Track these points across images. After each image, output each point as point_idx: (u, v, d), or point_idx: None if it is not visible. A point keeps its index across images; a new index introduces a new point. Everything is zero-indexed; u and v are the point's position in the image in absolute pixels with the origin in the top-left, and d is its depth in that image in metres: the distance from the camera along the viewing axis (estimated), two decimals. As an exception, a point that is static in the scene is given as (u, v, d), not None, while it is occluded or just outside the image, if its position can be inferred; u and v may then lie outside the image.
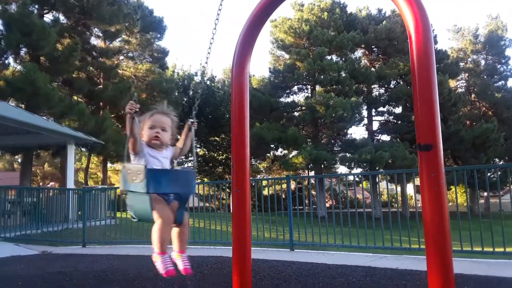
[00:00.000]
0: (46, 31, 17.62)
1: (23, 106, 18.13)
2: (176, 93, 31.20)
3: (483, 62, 38.20)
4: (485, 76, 36.95)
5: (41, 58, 19.77)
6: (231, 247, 2.89)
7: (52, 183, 36.44)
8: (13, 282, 4.64)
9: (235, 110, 3.02)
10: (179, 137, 3.01)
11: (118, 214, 10.95)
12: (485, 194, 29.94)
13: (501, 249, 5.50)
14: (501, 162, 33.75)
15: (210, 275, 4.80)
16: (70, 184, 14.79)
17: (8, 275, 5.12)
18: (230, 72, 3.08)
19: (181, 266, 2.77)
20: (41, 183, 39.18)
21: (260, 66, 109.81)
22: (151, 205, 2.47)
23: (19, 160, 21.52)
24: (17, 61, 20.42)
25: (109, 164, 30.25)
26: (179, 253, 2.81)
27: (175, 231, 2.75)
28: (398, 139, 29.93)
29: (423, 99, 2.19)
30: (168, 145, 2.79)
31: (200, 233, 8.84)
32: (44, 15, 20.55)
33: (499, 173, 19.21)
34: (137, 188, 2.47)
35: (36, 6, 19.84)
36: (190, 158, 3.04)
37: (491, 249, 5.60)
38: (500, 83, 37.20)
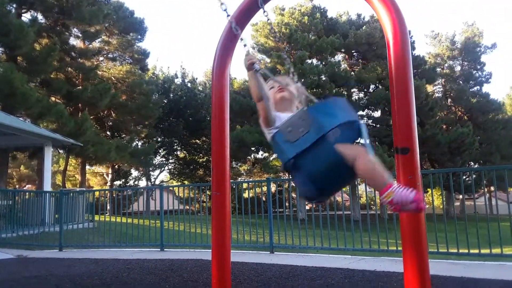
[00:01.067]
0: (24, 30, 17.28)
1: (-1, 106, 17.74)
2: (157, 95, 30.98)
3: (459, 67, 39.05)
4: (461, 82, 37.77)
5: (18, 58, 19.37)
6: (211, 250, 2.89)
7: (28, 186, 35.67)
8: (-13, 287, 4.54)
9: (215, 112, 3.03)
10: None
11: (96, 217, 10.79)
12: (460, 196, 30.58)
13: (476, 251, 5.62)
14: (476, 166, 34.53)
15: (190, 279, 4.77)
16: (47, 186, 14.51)
17: (-18, 280, 5.00)
18: (211, 74, 3.08)
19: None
20: (17, 186, 38.30)
21: (241, 69, 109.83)
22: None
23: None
24: (-7, 61, 19.95)
25: (87, 167, 29.81)
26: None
27: None
28: (377, 143, 30.32)
29: (400, 103, 2.24)
30: (297, 101, 2.31)
31: (180, 235, 8.78)
32: (22, 15, 20.17)
33: (474, 176, 19.62)
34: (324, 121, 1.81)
35: (14, 5, 19.46)
36: None
37: (466, 251, 5.72)
38: (475, 88, 38.08)
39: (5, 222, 10.19)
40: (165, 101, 32.96)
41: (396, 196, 1.67)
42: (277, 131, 1.93)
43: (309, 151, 1.78)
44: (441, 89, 38.75)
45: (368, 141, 1.85)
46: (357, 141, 1.94)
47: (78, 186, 27.71)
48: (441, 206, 33.67)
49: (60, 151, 25.12)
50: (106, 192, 11.70)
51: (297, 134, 1.80)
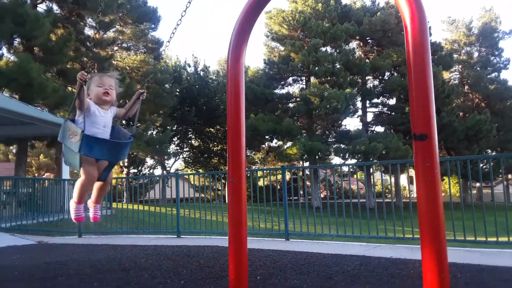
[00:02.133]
0: (40, 21, 17.42)
1: (17, 96, 18.00)
2: (170, 84, 31.09)
3: (476, 54, 38.32)
4: (478, 68, 37.09)
5: (34, 48, 19.57)
6: (227, 237, 2.92)
7: (47, 174, 36.32)
8: (10, 271, 4.66)
9: (230, 100, 3.03)
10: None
11: (114, 205, 10.96)
12: (478, 184, 30.21)
13: (494, 239, 5.58)
14: (493, 153, 34.04)
15: (207, 264, 4.84)
16: (66, 175, 14.76)
17: (4, 265, 5.14)
18: (226, 63, 3.08)
19: (91, 214, 3.20)
20: (36, 174, 39.04)
21: (255, 58, 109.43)
22: (80, 162, 2.80)
23: (14, 151, 21.37)
24: (11, 52, 20.19)
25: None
26: (94, 203, 3.21)
27: (97, 184, 3.10)
28: (392, 131, 30.06)
29: (418, 89, 2.22)
30: (114, 104, 3.13)
31: (196, 223, 8.89)
32: (37, 5, 20.31)
33: (492, 164, 19.36)
34: (71, 146, 2.78)
35: (29, -4, 19.61)
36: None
37: (484, 239, 5.68)
38: (493, 75, 37.39)
39: (26, 210, 10.43)
40: (178, 90, 33.04)
41: (71, 209, 3.20)
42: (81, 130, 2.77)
43: (67, 147, 2.90)
44: (458, 75, 38.12)
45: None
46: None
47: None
48: (457, 194, 33.34)
49: (77, 140, 25.42)
50: (123, 180, 11.88)
51: (69, 135, 2.86)
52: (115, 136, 3.14)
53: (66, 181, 11.43)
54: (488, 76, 36.70)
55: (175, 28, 3.48)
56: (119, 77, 3.24)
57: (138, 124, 29.79)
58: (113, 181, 11.70)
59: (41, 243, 7.73)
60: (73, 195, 3.05)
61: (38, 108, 17.56)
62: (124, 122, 3.69)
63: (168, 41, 3.57)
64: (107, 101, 3.02)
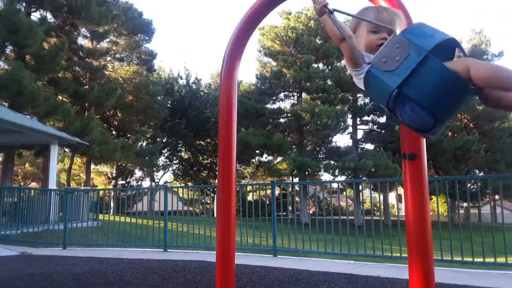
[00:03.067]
0: (33, 29, 17.40)
1: (6, 104, 17.85)
2: (162, 96, 31.08)
3: (466, 75, 38.94)
4: (468, 90, 37.62)
5: (26, 56, 19.51)
6: (214, 252, 2.89)
7: (33, 184, 35.82)
8: (-9, 283, 4.56)
9: (222, 114, 3.03)
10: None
11: (100, 216, 10.83)
12: (465, 204, 30.41)
13: (481, 259, 5.60)
14: (481, 174, 34.36)
15: (193, 279, 4.78)
16: (52, 185, 14.57)
17: (-14, 276, 5.03)
18: (219, 76, 3.09)
19: None
20: (22, 183, 38.49)
21: (247, 73, 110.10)
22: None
23: (0, 159, 21.14)
24: (2, 59, 20.11)
25: (92, 166, 29.92)
26: None
27: None
28: (381, 148, 30.25)
29: (408, 109, 2.23)
30: None
31: (184, 237, 8.80)
32: (32, 13, 20.31)
33: (479, 184, 19.54)
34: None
35: (24, 4, 19.61)
36: None
37: (471, 259, 5.69)
38: (482, 96, 37.96)
39: (10, 219, 10.25)
40: (169, 102, 33.05)
41: None
42: (371, 66, 1.71)
43: (414, 75, 1.59)
44: (448, 96, 38.60)
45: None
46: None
47: (82, 185, 27.81)
48: (445, 214, 33.52)
49: (65, 149, 25.23)
50: (111, 191, 11.77)
51: (395, 62, 1.62)
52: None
53: (52, 191, 11.28)
54: (477, 97, 37.23)
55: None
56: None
57: (128, 135, 29.75)
58: (100, 193, 11.61)
59: (25, 254, 7.59)
60: (508, 72, 1.53)
61: (28, 116, 17.41)
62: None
63: None
64: None
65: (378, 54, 1.68)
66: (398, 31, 1.79)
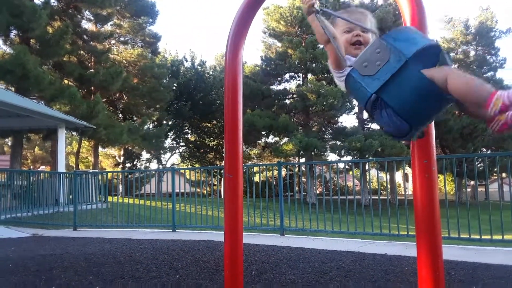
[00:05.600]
0: (37, 13, 17.31)
1: (12, 89, 17.91)
2: (167, 79, 31.00)
3: (473, 53, 38.38)
4: (474, 67, 37.15)
5: (31, 40, 19.46)
6: (222, 232, 2.92)
7: (42, 167, 36.18)
8: (4, 263, 4.65)
9: (228, 96, 3.02)
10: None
11: (110, 198, 10.95)
12: (472, 183, 30.35)
13: (488, 237, 5.62)
14: (488, 152, 34.19)
15: (202, 259, 4.85)
16: (61, 168, 14.71)
17: (-1, 257, 5.13)
18: (224, 57, 3.07)
19: None
20: (31, 167, 38.90)
21: (252, 54, 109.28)
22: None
23: (9, 143, 21.29)
24: (7, 43, 20.07)
25: (100, 149, 30.10)
26: None
27: None
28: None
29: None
30: None
31: (192, 218, 8.89)
32: (35, -3, 20.18)
33: (487, 162, 19.43)
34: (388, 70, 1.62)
35: (26, -13, 19.46)
36: None
37: (478, 237, 5.72)
38: (489, 74, 37.47)
39: (21, 202, 10.40)
40: (175, 85, 32.98)
41: (505, 97, 1.42)
42: (352, 69, 1.71)
43: (392, 81, 1.58)
44: (454, 74, 38.16)
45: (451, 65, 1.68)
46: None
47: (91, 167, 28.05)
48: (452, 192, 33.53)
49: (73, 133, 25.36)
50: (119, 174, 11.87)
51: (375, 67, 1.61)
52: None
53: (61, 174, 11.40)
54: (484, 75, 36.76)
55: None
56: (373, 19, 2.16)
57: (135, 118, 29.81)
58: (109, 175, 11.71)
59: (36, 235, 7.72)
60: (483, 87, 1.58)
61: (34, 100, 17.47)
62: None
63: None
64: (359, 52, 1.90)
65: (359, 58, 1.68)
66: (369, 29, 1.95)
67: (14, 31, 19.25)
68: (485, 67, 37.42)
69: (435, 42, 1.69)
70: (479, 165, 22.76)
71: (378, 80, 1.59)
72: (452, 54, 36.59)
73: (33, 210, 10.12)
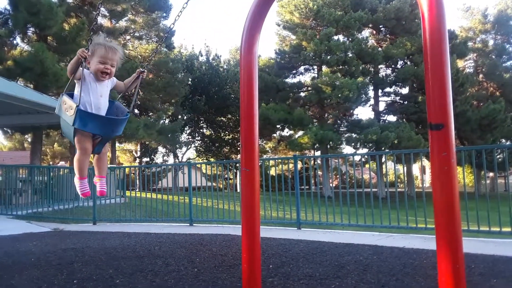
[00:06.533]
0: (53, 10, 17.51)
1: (31, 86, 18.19)
2: (182, 73, 31.13)
3: (492, 41, 37.66)
4: (493, 56, 36.44)
5: (48, 38, 19.74)
6: (239, 226, 2.93)
7: (62, 163, 36.75)
8: (27, 257, 4.76)
9: (243, 90, 3.02)
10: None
11: (128, 193, 11.08)
12: (491, 174, 29.88)
13: (508, 229, 5.53)
14: (507, 143, 33.58)
15: (219, 252, 4.88)
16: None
17: (22, 251, 5.24)
18: (238, 51, 3.07)
19: (98, 188, 3.12)
20: (51, 162, 39.57)
21: (266, 48, 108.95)
22: (74, 135, 2.81)
23: (29, 140, 21.66)
24: (25, 41, 20.38)
25: (117, 144, 30.45)
26: (98, 177, 3.16)
27: (94, 158, 3.11)
28: (404, 120, 29.77)
29: (435, 78, 2.18)
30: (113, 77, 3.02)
31: (208, 211, 8.96)
32: (50, -6, 20.40)
33: (507, 153, 19.10)
34: (66, 119, 2.80)
35: (42, -15, 19.69)
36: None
37: (498, 229, 5.64)
38: (508, 63, 36.76)
39: (41, 197, 10.60)
40: (190, 79, 33.09)
41: (77, 186, 3.08)
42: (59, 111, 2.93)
43: (63, 119, 2.91)
44: (473, 64, 37.52)
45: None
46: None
47: (108, 162, 28.36)
48: (471, 184, 33.06)
49: (90, 129, 25.67)
50: (136, 168, 12.02)
51: (71, 111, 2.81)
52: (112, 111, 3.08)
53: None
54: (504, 65, 36.07)
55: (180, 11, 3.42)
56: (122, 53, 3.06)
57: (150, 113, 30.05)
58: (126, 170, 11.83)
59: (57, 230, 7.86)
60: (74, 171, 3.05)
61: (53, 97, 17.72)
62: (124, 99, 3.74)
63: (173, 23, 3.43)
64: (104, 79, 2.93)
65: (66, 104, 2.86)
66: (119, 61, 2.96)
67: (32, 29, 19.52)
68: (504, 56, 36.68)
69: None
70: (498, 156, 22.38)
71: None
72: (470, 44, 35.90)
73: (53, 205, 10.31)
